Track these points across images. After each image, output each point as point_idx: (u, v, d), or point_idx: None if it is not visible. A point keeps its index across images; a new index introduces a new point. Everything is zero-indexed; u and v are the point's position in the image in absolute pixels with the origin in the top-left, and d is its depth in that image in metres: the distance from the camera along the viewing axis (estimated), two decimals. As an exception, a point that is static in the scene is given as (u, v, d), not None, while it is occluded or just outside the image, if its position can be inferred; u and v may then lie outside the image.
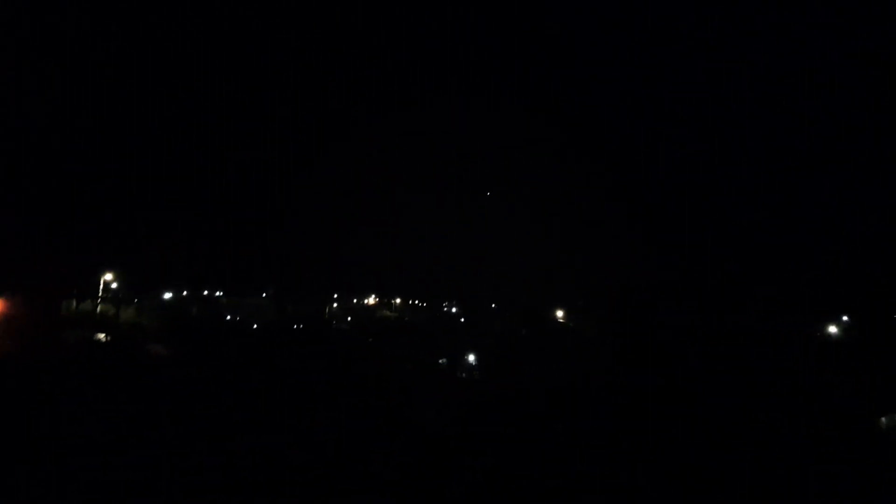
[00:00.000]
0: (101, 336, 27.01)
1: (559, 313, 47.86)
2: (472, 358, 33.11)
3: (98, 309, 32.70)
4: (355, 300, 63.76)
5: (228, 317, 47.65)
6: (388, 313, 60.94)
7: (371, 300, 66.18)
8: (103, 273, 36.57)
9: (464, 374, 31.74)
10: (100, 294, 35.53)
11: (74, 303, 31.03)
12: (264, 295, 54.71)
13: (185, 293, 50.50)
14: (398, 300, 67.14)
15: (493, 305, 58.11)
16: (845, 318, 35.37)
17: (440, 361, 33.70)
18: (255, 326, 43.75)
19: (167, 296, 46.89)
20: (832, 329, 34.72)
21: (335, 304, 58.74)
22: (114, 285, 37.89)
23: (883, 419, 16.92)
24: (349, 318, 54.98)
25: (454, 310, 62.05)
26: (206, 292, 53.62)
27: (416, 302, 66.87)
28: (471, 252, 61.62)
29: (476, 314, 54.98)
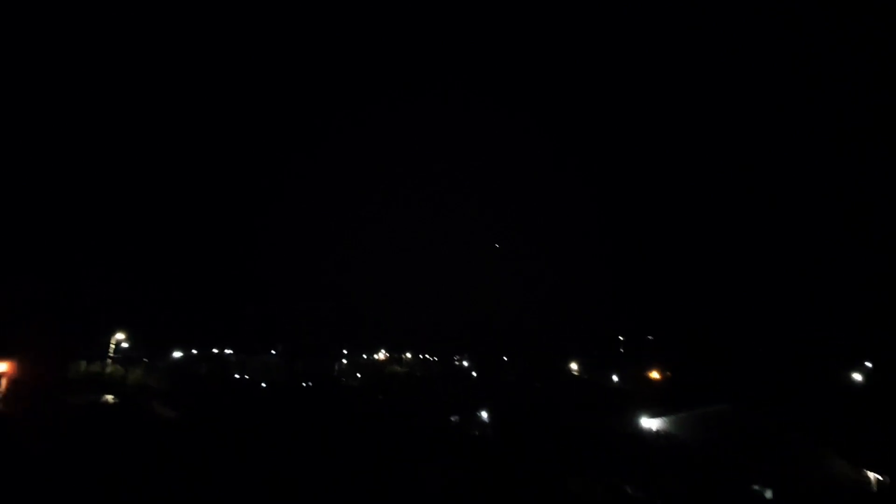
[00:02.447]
0: (109, 398, 26.63)
1: (573, 365, 46.53)
2: (484, 415, 31.90)
3: (107, 370, 32.49)
4: (365, 356, 62.80)
5: (237, 375, 46.98)
6: (398, 369, 59.71)
7: (381, 355, 65.14)
8: (113, 334, 36.68)
9: (477, 432, 30.45)
10: (109, 355, 35.44)
11: (83, 364, 30.90)
12: (273, 352, 54.22)
13: (194, 351, 50.24)
14: (408, 355, 66.01)
15: (505, 358, 56.78)
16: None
17: (452, 419, 32.52)
18: (263, 385, 42.99)
19: (177, 355, 46.67)
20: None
21: (344, 361, 57.84)
22: (123, 345, 37.88)
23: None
24: (358, 375, 53.93)
25: (465, 363, 60.69)
26: (215, 350, 53.28)
27: (427, 356, 65.65)
28: (480, 304, 61.07)
29: (488, 367, 53.64)
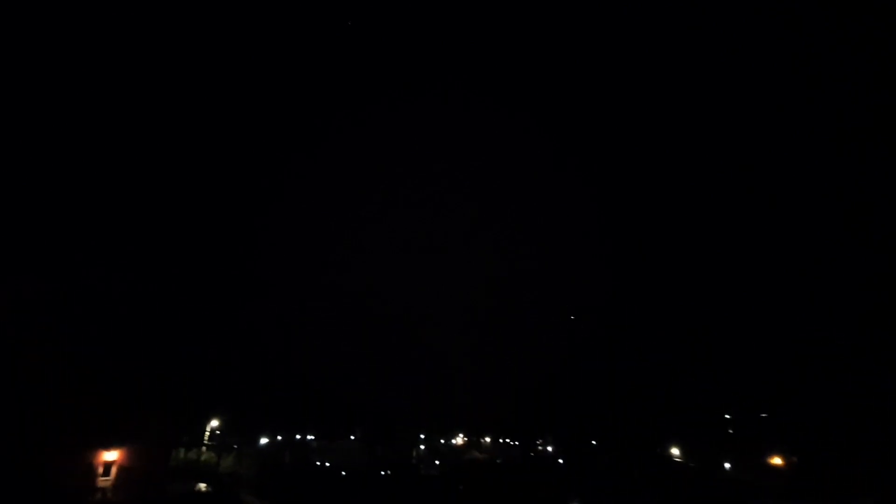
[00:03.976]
0: (203, 486, 27.65)
1: (675, 451, 41.34)
2: (577, 509, 28.82)
3: (202, 458, 33.96)
4: (442, 440, 60.54)
5: (318, 462, 47.06)
6: (478, 454, 56.59)
7: (459, 440, 62.44)
8: (209, 420, 38.81)
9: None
10: (204, 441, 37.25)
11: (182, 451, 32.59)
12: (353, 438, 54.08)
13: (279, 437, 51.41)
14: (487, 439, 62.70)
15: (594, 442, 51.92)
16: None
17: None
18: (343, 473, 42.58)
19: (263, 441, 47.98)
20: None
21: (422, 447, 56.07)
22: (217, 432, 39.77)
23: None
24: (437, 462, 51.76)
25: (549, 448, 56.26)
26: (298, 436, 54.15)
27: (507, 440, 61.90)
28: (563, 382, 57.48)
29: (575, 453, 49.23)
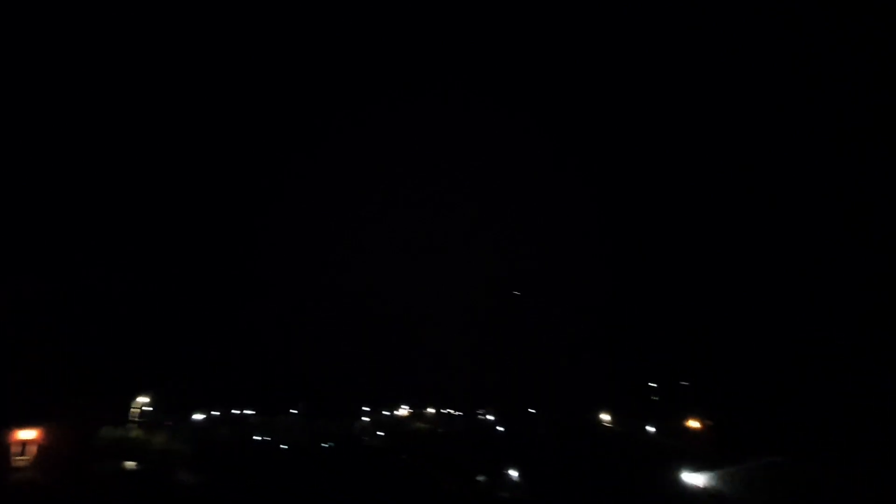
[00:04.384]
0: (131, 464, 26.36)
1: (605, 417, 44.42)
2: (514, 474, 30.33)
3: (131, 435, 32.36)
4: (387, 413, 61.31)
5: (259, 437, 46.23)
6: (421, 425, 57.92)
7: (403, 412, 63.50)
8: (136, 396, 36.83)
9: (506, 494, 28.81)
10: (133, 419, 35.44)
11: (109, 429, 30.84)
12: (295, 412, 53.49)
13: (217, 413, 50.10)
14: (431, 410, 64.19)
15: (533, 411, 54.65)
16: None
17: (479, 479, 31.02)
18: (284, 447, 42.18)
19: (198, 417, 46.46)
20: None
21: (367, 419, 56.55)
22: (146, 409, 37.89)
23: None
24: (381, 433, 52.47)
25: (490, 417, 58.58)
26: (236, 411, 52.82)
27: (451, 411, 63.70)
28: (505, 355, 59.65)
29: (514, 421, 51.62)
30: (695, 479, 21.46)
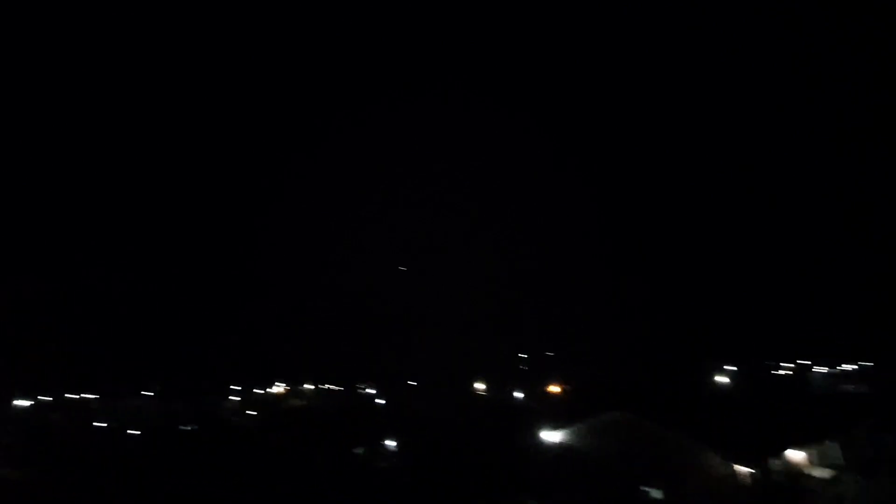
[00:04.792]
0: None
1: (481, 385, 47.08)
2: (392, 444, 30.62)
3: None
4: (259, 391, 57.71)
5: (103, 423, 40.36)
6: (297, 402, 55.60)
7: (278, 389, 60.36)
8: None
9: (384, 464, 29.03)
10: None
11: None
12: (150, 393, 47.72)
13: (50, 398, 43.12)
14: (309, 386, 62.00)
15: (413, 383, 55.76)
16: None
17: (356, 451, 30.76)
18: (135, 433, 37.42)
19: (22, 403, 39.61)
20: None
21: (236, 398, 52.55)
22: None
23: None
24: (254, 413, 49.21)
25: (371, 391, 58.49)
26: (72, 395, 45.66)
27: (330, 386, 62.22)
28: (385, 328, 59.67)
29: (394, 394, 52.19)
30: (552, 435, 23.67)
